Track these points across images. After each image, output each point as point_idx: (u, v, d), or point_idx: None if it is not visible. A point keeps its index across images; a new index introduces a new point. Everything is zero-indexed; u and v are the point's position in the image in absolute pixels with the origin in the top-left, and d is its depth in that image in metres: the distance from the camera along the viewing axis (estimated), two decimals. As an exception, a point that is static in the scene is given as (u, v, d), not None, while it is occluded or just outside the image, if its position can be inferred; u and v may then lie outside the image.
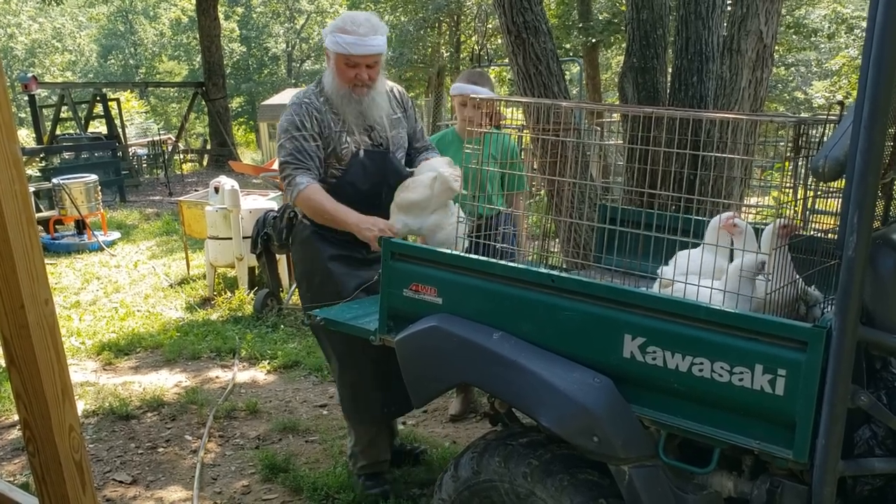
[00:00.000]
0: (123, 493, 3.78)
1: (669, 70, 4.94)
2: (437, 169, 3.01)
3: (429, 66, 26.99)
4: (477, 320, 2.38)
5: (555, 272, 2.33)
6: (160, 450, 4.22)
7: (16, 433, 4.39)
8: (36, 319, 2.18)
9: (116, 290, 7.86)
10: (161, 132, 26.24)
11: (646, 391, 2.11)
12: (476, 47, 15.87)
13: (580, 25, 18.72)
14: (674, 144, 2.65)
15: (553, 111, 3.15)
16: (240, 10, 41.90)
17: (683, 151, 2.41)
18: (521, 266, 2.35)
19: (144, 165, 20.32)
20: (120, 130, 19.36)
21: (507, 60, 6.14)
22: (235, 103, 38.66)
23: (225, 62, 25.13)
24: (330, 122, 3.20)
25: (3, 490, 2.65)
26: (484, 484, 2.47)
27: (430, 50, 27.25)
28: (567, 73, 18.06)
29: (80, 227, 10.44)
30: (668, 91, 4.81)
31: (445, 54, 26.70)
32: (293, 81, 39.13)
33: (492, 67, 22.52)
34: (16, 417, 4.53)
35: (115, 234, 10.87)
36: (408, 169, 3.35)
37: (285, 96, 26.06)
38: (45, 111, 19.79)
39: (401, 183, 3.12)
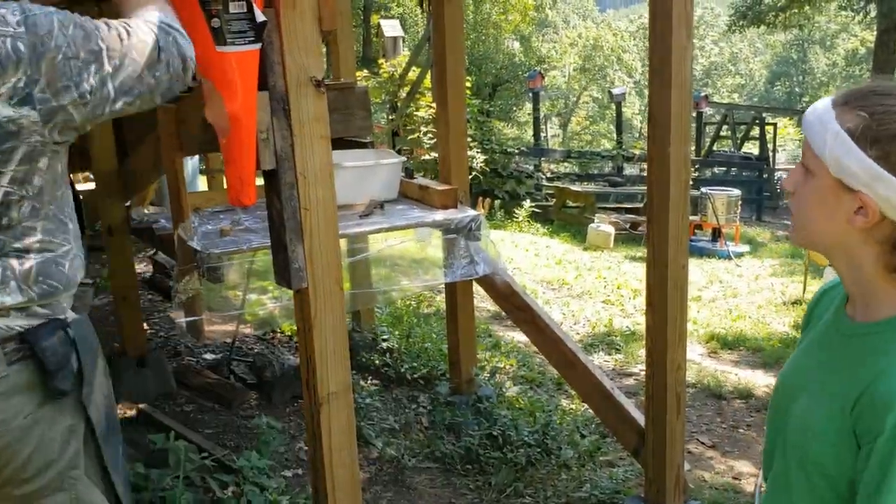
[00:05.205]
0: (703, 451, 4.50)
1: None
2: None
3: None
4: None
5: None
6: (741, 430, 4.82)
7: (631, 381, 5.47)
8: (673, 276, 3.02)
9: (734, 296, 8.62)
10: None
11: None
12: None
13: None
14: None
15: None
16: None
17: None
18: None
19: (787, 190, 20.75)
20: (770, 154, 20.13)
21: None
22: None
23: None
24: None
25: (623, 402, 3.61)
26: None
27: None
28: None
29: (715, 234, 11.53)
30: None
31: None
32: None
33: None
34: (633, 368, 5.65)
35: (745, 248, 11.66)
36: None
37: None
38: (707, 128, 21.72)
39: None
